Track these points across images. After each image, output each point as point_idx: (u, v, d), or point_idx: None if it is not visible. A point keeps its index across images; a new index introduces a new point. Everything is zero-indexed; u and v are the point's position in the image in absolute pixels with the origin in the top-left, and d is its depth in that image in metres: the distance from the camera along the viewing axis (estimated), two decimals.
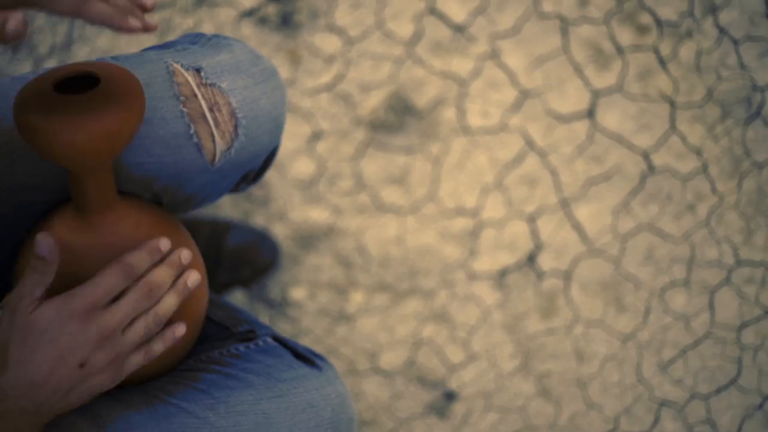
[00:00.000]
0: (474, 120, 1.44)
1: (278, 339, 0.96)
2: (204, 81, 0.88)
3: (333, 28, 1.47)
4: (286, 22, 1.48)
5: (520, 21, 1.46)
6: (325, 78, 1.46)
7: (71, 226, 0.81)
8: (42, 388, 0.74)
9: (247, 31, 1.47)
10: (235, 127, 0.89)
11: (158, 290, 0.79)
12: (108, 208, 0.81)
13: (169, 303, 0.80)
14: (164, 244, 0.79)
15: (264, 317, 1.41)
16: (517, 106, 1.45)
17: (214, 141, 0.87)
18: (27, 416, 0.75)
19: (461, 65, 1.45)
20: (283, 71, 1.46)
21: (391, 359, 1.40)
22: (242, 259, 1.38)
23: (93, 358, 0.75)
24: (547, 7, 1.46)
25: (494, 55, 1.45)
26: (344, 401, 0.95)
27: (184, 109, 0.86)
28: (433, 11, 1.46)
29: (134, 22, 0.82)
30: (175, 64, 0.88)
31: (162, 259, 0.81)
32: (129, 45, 1.46)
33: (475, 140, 1.44)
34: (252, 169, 0.95)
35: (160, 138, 0.85)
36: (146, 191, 0.88)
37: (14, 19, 0.87)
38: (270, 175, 1.43)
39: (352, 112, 1.45)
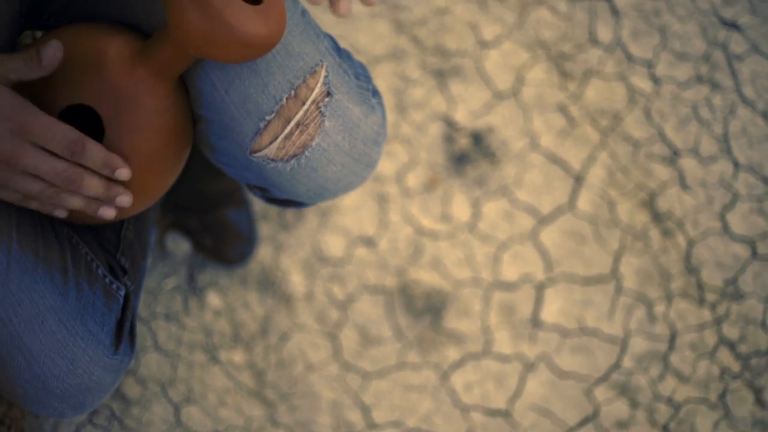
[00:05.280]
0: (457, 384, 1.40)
1: (126, 301, 0.92)
2: (320, 104, 0.86)
3: (477, 205, 1.44)
4: (459, 162, 1.46)
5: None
6: (426, 222, 1.44)
7: (121, 54, 0.81)
8: None
9: (432, 130, 1.46)
10: (294, 156, 0.87)
11: (77, 186, 0.79)
12: (156, 77, 0.81)
13: (72, 202, 0.80)
14: (123, 173, 0.80)
15: (173, 283, 1.38)
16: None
17: (270, 143, 0.86)
18: None
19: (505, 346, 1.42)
20: (414, 180, 1.44)
21: (192, 416, 1.36)
22: (218, 233, 1.36)
23: None
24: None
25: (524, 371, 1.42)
26: (95, 391, 0.89)
27: (283, 102, 0.85)
28: (534, 323, 1.43)
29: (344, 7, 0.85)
30: (323, 71, 0.86)
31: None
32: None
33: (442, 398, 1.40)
34: (271, 192, 0.93)
35: (246, 92, 0.84)
36: (196, 105, 0.87)
37: None
38: (312, 219, 1.41)
39: (406, 263, 1.42)
